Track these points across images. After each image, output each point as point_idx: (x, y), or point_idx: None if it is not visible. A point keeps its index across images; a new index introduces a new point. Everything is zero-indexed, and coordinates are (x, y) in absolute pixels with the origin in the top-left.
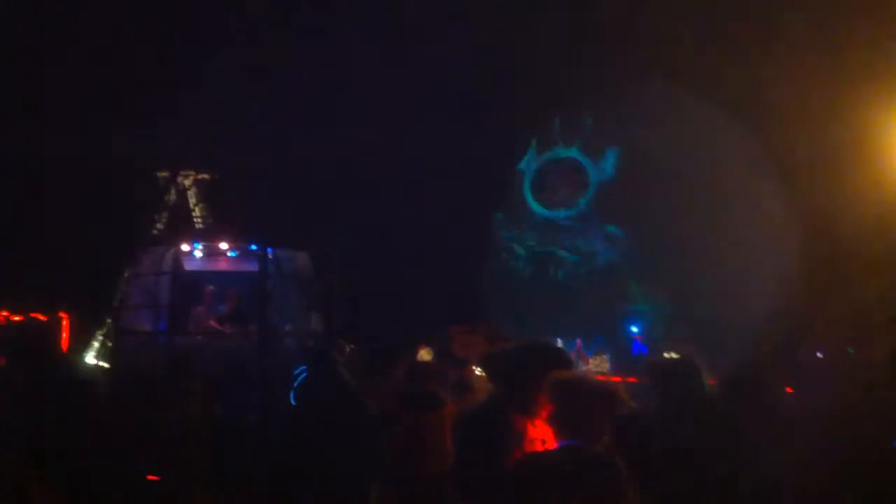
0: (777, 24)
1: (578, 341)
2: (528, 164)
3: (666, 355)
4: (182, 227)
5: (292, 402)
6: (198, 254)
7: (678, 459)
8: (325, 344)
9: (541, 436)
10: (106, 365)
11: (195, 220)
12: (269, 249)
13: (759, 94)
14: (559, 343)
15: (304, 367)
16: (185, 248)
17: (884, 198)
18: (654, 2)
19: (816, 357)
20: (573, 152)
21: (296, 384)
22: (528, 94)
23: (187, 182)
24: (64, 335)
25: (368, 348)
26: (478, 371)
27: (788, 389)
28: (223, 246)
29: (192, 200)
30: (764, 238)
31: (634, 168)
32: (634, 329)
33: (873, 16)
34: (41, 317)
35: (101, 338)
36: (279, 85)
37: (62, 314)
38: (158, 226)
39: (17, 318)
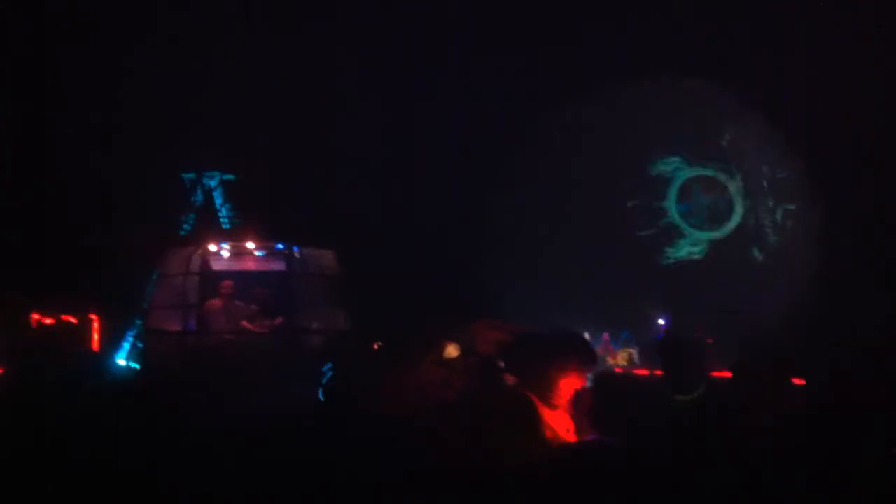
0: None
1: (605, 335)
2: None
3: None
4: (209, 228)
5: (320, 398)
6: (225, 254)
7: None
8: (351, 341)
9: (562, 426)
10: (136, 365)
11: (222, 220)
12: (295, 248)
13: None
14: (586, 337)
15: (331, 365)
16: (212, 248)
17: None
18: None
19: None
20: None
21: (323, 381)
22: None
23: (213, 182)
24: (94, 336)
25: (394, 344)
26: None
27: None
28: (250, 245)
29: (218, 201)
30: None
31: None
32: (661, 322)
33: None
34: (72, 319)
35: (131, 338)
36: (303, 84)
37: (92, 315)
38: (185, 227)
39: (48, 321)
